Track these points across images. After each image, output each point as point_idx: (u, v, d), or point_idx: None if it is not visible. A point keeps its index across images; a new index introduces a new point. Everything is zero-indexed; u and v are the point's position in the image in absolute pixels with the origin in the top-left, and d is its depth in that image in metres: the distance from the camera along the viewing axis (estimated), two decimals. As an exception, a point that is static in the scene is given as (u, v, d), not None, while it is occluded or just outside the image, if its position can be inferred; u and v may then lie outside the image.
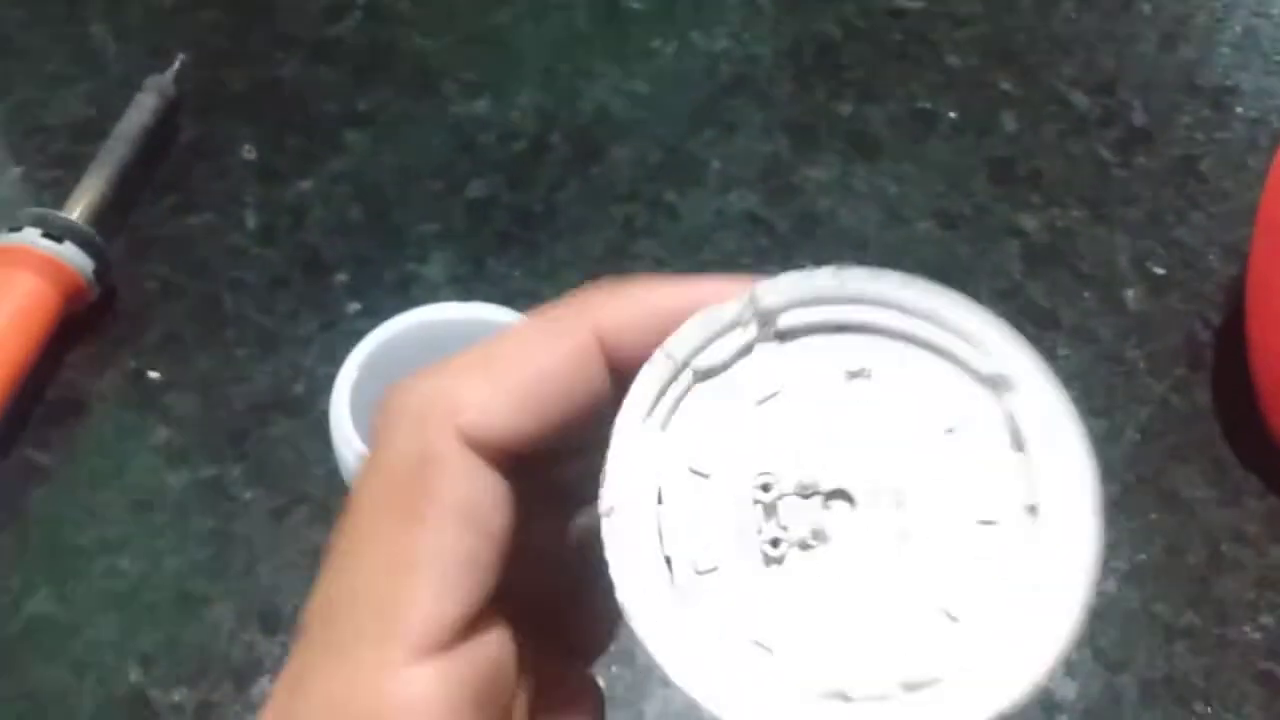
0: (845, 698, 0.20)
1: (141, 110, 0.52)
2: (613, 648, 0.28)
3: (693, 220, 0.52)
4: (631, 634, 0.20)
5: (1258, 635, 0.43)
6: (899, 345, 0.21)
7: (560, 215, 0.52)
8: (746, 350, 0.22)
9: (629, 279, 0.22)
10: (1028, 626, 0.20)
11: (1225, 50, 0.59)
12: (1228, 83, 0.57)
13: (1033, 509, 0.20)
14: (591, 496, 0.21)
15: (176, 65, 0.54)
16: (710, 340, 0.22)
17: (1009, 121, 0.55)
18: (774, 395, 0.22)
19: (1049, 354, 0.48)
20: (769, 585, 0.21)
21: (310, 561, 0.43)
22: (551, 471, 0.23)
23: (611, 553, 0.20)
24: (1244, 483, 0.46)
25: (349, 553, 0.21)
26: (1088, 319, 0.49)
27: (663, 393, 0.21)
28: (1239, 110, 0.56)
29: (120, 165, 0.50)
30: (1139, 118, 0.56)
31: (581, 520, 0.26)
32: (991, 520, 0.21)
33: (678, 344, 0.21)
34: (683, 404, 0.22)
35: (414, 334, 0.41)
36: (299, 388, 0.47)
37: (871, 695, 0.20)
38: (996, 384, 0.21)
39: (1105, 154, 0.55)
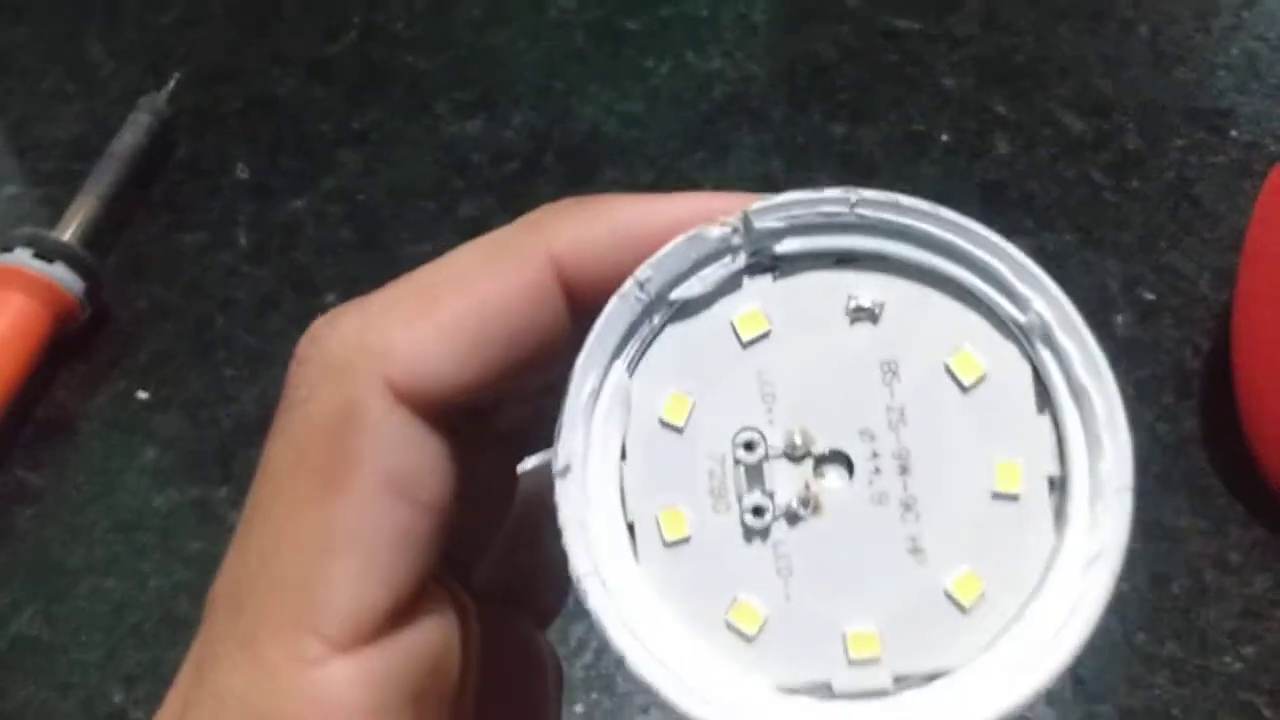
0: (830, 692, 0.18)
1: (135, 129, 0.52)
2: (592, 675, 0.27)
3: (683, 242, 0.52)
4: (587, 613, 0.18)
5: (1239, 666, 0.43)
6: (913, 284, 0.18)
7: (551, 236, 0.52)
8: (734, 282, 0.19)
9: (593, 197, 0.19)
10: (1042, 618, 0.18)
11: (1221, 73, 0.58)
12: (1223, 106, 0.57)
13: (1056, 482, 0.18)
14: (544, 442, 0.18)
15: (171, 84, 0.54)
16: (691, 269, 0.18)
17: (1002, 144, 0.55)
18: (764, 337, 0.18)
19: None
20: (749, 561, 0.18)
21: (294, 584, 0.43)
22: (498, 416, 0.20)
23: (565, 518, 0.18)
24: (1229, 511, 0.46)
25: (258, 526, 0.18)
26: (1076, 345, 0.49)
27: (632, 330, 0.18)
28: (1234, 134, 0.56)
29: (114, 184, 0.51)
30: (1133, 141, 0.56)
31: (530, 467, 0.23)
32: (1009, 494, 0.18)
33: (652, 272, 0.18)
34: (655, 344, 0.19)
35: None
36: (286, 409, 0.47)
37: (860, 690, 0.18)
38: (1024, 335, 0.18)
39: (1098, 177, 0.54)
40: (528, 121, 0.56)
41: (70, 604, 0.44)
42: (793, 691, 0.18)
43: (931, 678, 0.18)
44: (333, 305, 0.52)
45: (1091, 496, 0.18)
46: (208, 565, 0.45)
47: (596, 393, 0.18)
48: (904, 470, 0.18)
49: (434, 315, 0.18)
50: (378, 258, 0.51)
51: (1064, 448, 0.18)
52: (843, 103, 0.57)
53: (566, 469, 0.18)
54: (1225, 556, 0.45)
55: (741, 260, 0.18)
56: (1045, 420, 0.18)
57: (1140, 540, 0.45)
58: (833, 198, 0.18)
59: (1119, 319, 0.50)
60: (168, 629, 0.43)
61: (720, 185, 0.54)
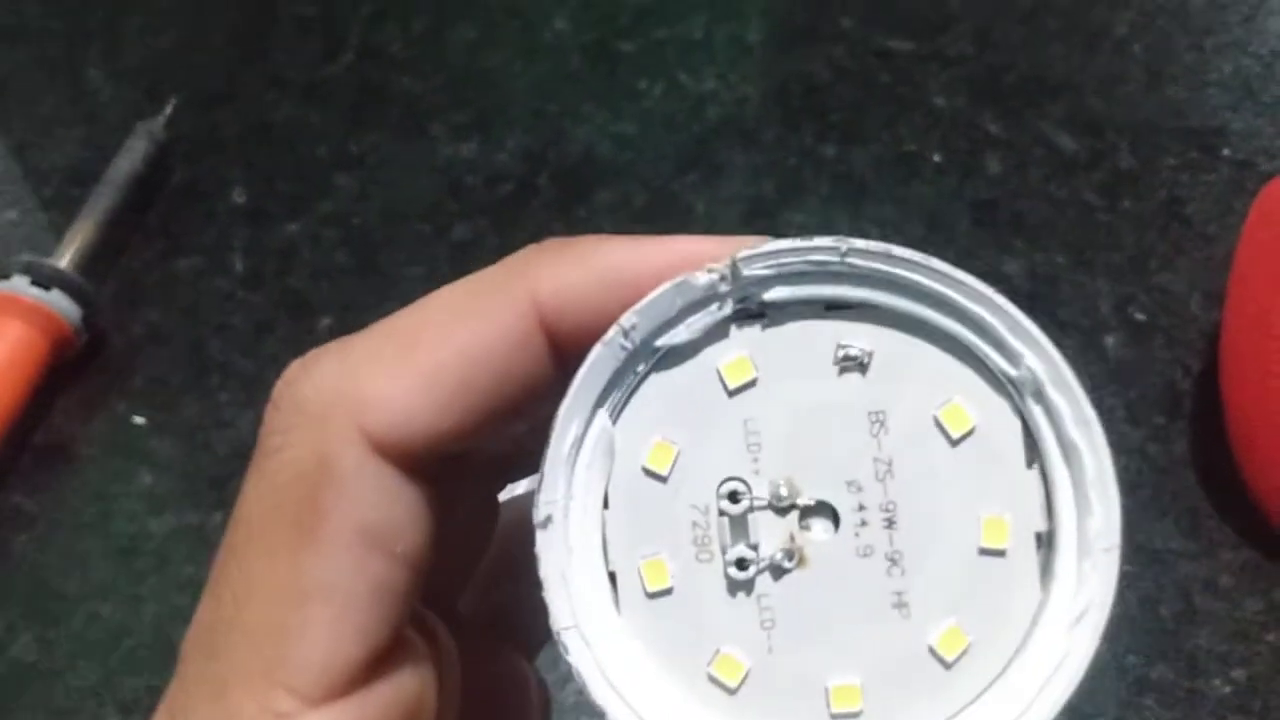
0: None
1: (132, 155, 0.53)
2: (583, 702, 0.27)
3: (676, 264, 0.52)
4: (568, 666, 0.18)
5: (1228, 689, 0.43)
6: (904, 335, 0.18)
7: (545, 258, 0.53)
8: (721, 329, 0.18)
9: (578, 238, 0.19)
10: (1026, 676, 0.18)
11: (1214, 91, 0.58)
12: (1216, 124, 0.57)
13: (1044, 538, 0.18)
14: (525, 470, 0.18)
15: (168, 109, 0.55)
16: (678, 315, 0.18)
17: (993, 164, 0.56)
18: (750, 385, 0.18)
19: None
20: (732, 613, 0.18)
21: (287, 609, 0.43)
22: (480, 452, 0.20)
23: (546, 572, 0.18)
24: (1218, 534, 0.46)
25: (233, 573, 0.18)
26: (1067, 366, 0.49)
27: (616, 377, 0.18)
28: (1226, 152, 0.56)
29: (110, 210, 0.51)
30: (1125, 160, 0.56)
31: (512, 497, 0.23)
32: (996, 549, 0.18)
33: (637, 319, 0.18)
34: (639, 391, 0.18)
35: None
36: (281, 434, 0.47)
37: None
38: (1016, 389, 0.18)
39: (1089, 197, 0.55)
40: (522, 144, 0.56)
41: (67, 630, 0.44)
42: None
43: None
44: (328, 329, 0.52)
45: (1079, 554, 0.18)
46: (202, 591, 0.45)
47: (579, 441, 0.18)
48: (890, 523, 0.18)
49: (414, 363, 0.18)
50: (373, 281, 0.52)
51: (1052, 504, 0.18)
52: (835, 123, 0.57)
53: (548, 520, 0.18)
54: (1215, 579, 0.45)
55: (729, 308, 0.18)
56: (1034, 475, 0.18)
57: (1130, 562, 0.45)
58: (823, 246, 0.18)
59: (1110, 340, 0.50)
60: (164, 655, 0.43)
61: (713, 206, 0.54)
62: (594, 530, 0.18)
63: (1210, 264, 0.52)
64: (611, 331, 0.18)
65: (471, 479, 0.21)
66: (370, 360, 0.18)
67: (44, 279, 0.48)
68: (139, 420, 0.48)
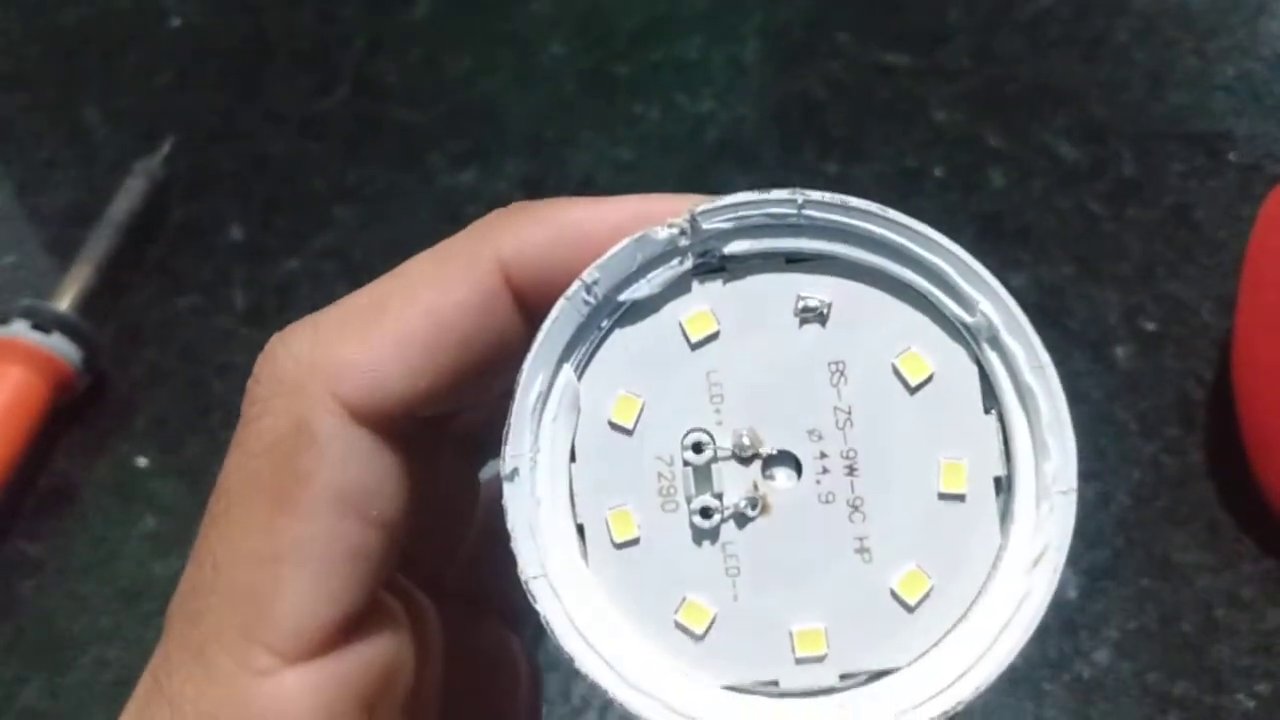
0: (777, 690, 0.18)
1: (130, 195, 0.53)
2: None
3: (678, 288, 0.52)
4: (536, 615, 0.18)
5: (1252, 704, 0.42)
6: (862, 285, 0.19)
7: (547, 286, 0.52)
8: (683, 284, 0.19)
9: (541, 201, 0.19)
10: (987, 618, 0.18)
11: (1217, 95, 0.58)
12: (1221, 129, 0.57)
13: (1003, 482, 0.18)
14: (499, 449, 0.18)
15: (165, 148, 0.55)
16: (639, 270, 0.18)
17: (996, 177, 0.55)
18: (712, 338, 0.19)
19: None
20: (698, 561, 0.18)
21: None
22: (458, 420, 0.20)
23: (513, 522, 0.18)
24: (1238, 546, 0.45)
25: (213, 540, 0.18)
26: (1077, 379, 0.49)
27: (580, 332, 0.18)
28: (1232, 157, 0.56)
29: (109, 251, 0.51)
30: (1129, 168, 0.55)
31: (489, 472, 0.23)
32: (955, 494, 0.18)
33: (599, 274, 0.18)
34: (604, 346, 0.19)
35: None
36: (284, 472, 0.47)
37: (806, 688, 0.18)
38: (972, 336, 0.18)
39: (1094, 207, 0.54)
40: (520, 171, 0.56)
41: (75, 675, 0.44)
42: (740, 690, 0.18)
43: (878, 676, 0.18)
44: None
45: (1037, 497, 0.18)
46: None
47: (544, 395, 0.18)
48: (851, 470, 0.18)
49: (383, 329, 0.18)
50: (374, 314, 0.51)
51: (1010, 448, 0.18)
52: (835, 141, 0.56)
53: (514, 472, 0.18)
54: (1236, 592, 0.44)
55: (689, 262, 0.18)
56: (992, 421, 0.18)
57: (1148, 577, 0.44)
58: (780, 199, 0.18)
59: (1119, 351, 0.50)
60: (171, 698, 0.43)
61: (715, 228, 0.54)
62: (561, 483, 0.18)
63: (1220, 270, 0.52)
64: (574, 286, 0.18)
65: (451, 451, 0.21)
66: (342, 329, 0.18)
67: (44, 323, 0.47)
68: (142, 462, 0.48)
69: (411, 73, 0.59)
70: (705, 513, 0.18)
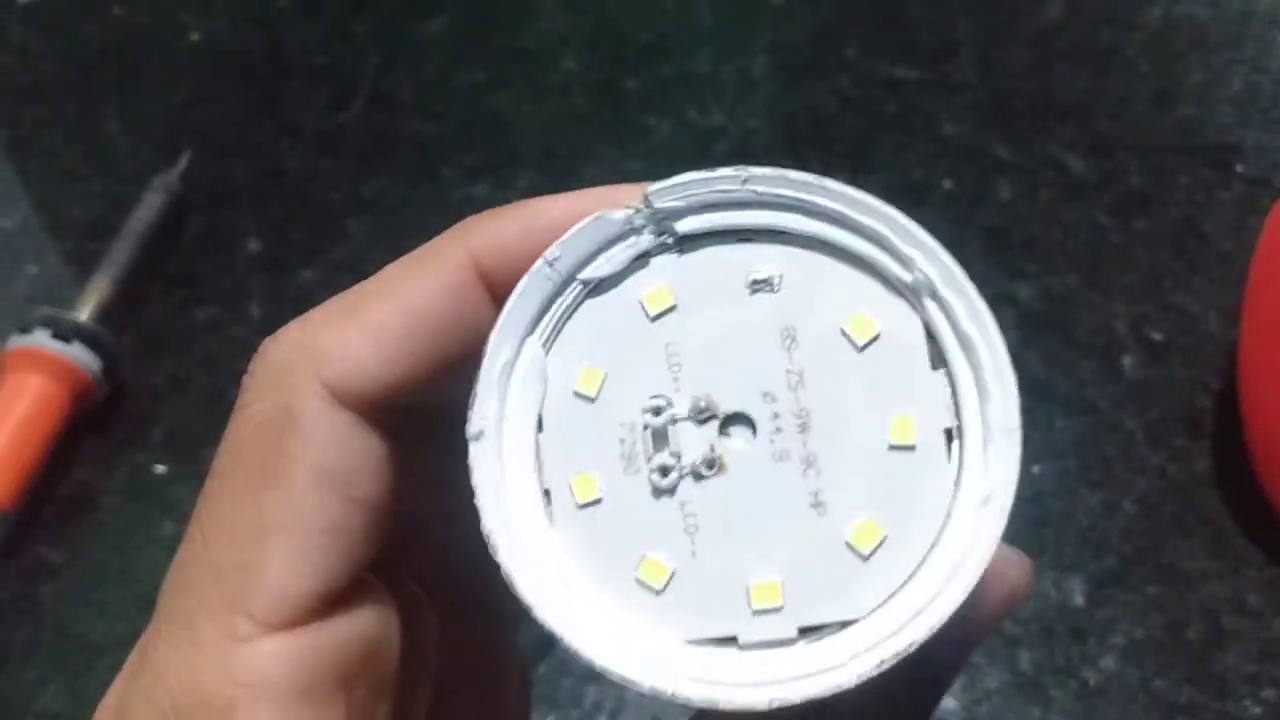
0: (736, 644, 0.19)
1: (148, 208, 0.53)
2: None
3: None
4: (501, 575, 0.18)
5: (1259, 710, 0.42)
6: (808, 253, 0.19)
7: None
8: (641, 261, 0.20)
9: (510, 204, 0.20)
10: (941, 563, 0.18)
11: (1224, 107, 0.58)
12: (1227, 141, 0.57)
13: (953, 432, 0.19)
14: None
15: (184, 161, 0.56)
16: (600, 249, 0.19)
17: (1004, 189, 0.56)
18: (670, 310, 0.20)
19: (1045, 425, 0.48)
20: (657, 519, 0.19)
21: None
22: (445, 415, 0.21)
23: (478, 482, 0.19)
24: (1245, 553, 0.45)
25: (203, 518, 0.19)
26: (1084, 388, 0.49)
27: (545, 307, 0.19)
28: (1239, 169, 0.56)
29: (128, 263, 0.52)
30: (1136, 180, 0.56)
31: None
32: (905, 445, 0.19)
33: (560, 251, 0.19)
34: (570, 321, 0.20)
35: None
36: (300, 479, 0.47)
37: (764, 640, 0.18)
38: (913, 293, 0.19)
39: (1102, 218, 0.55)
40: (533, 184, 0.57)
41: (94, 679, 0.44)
42: (700, 644, 0.19)
43: (838, 627, 0.18)
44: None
45: (984, 441, 0.19)
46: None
47: (511, 365, 0.19)
48: (804, 429, 0.19)
49: (362, 318, 0.20)
50: (388, 325, 0.52)
51: (957, 399, 0.19)
52: (843, 154, 0.57)
53: (480, 434, 0.19)
54: (1242, 599, 0.44)
55: (647, 240, 0.19)
56: (939, 375, 0.19)
57: (1155, 585, 0.45)
58: (725, 175, 0.19)
59: (1127, 361, 0.50)
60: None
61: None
62: (528, 450, 0.19)
63: (1227, 281, 0.52)
64: (538, 263, 0.19)
65: (435, 440, 0.21)
66: (325, 322, 0.20)
67: (64, 332, 0.48)
68: (160, 469, 0.48)
69: (425, 87, 0.60)
70: (663, 471, 0.19)
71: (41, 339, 0.48)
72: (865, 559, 0.18)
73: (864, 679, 0.18)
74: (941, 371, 0.19)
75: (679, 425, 0.19)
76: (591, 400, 0.19)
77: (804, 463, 0.19)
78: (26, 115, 0.61)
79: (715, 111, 0.59)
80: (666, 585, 0.19)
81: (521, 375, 0.19)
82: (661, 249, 0.20)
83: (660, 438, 0.19)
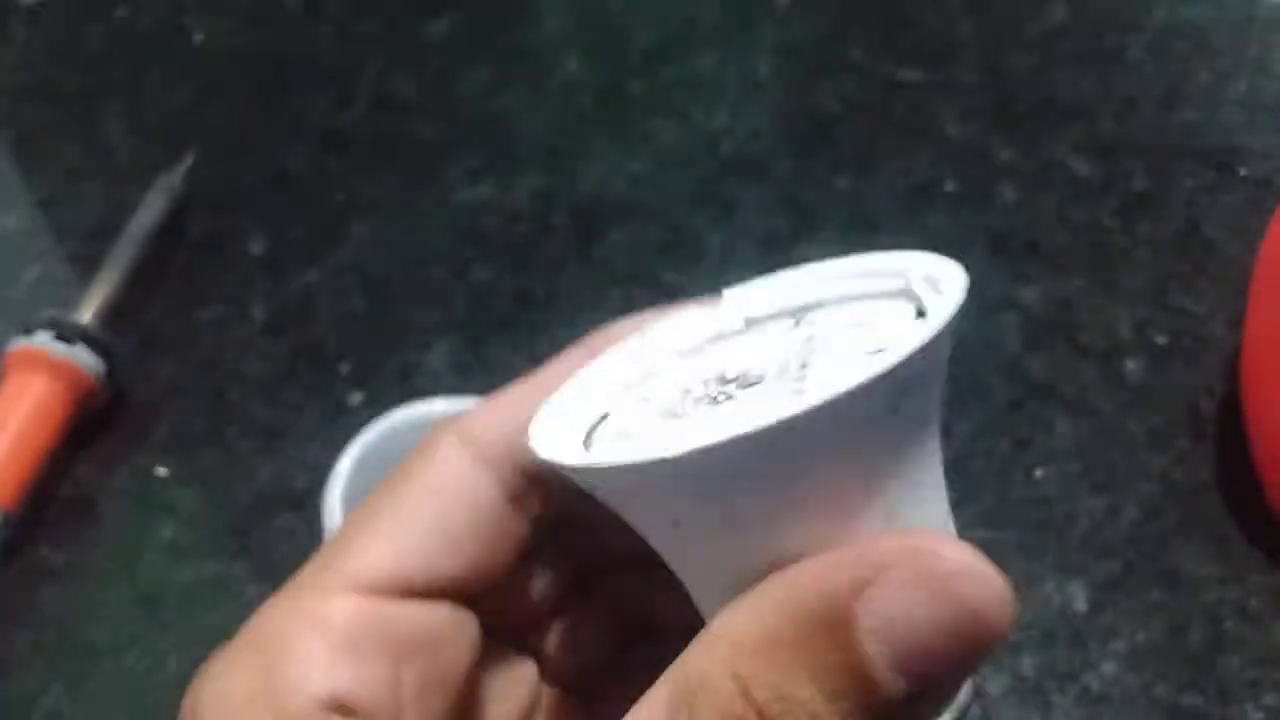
0: (675, 416, 0.20)
1: (151, 209, 0.53)
2: None
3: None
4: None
5: (1261, 715, 0.42)
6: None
7: (561, 298, 0.53)
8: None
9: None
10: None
11: (1228, 110, 0.58)
12: (1232, 144, 0.57)
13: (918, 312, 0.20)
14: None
15: (186, 162, 0.56)
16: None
17: (1008, 191, 0.55)
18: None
19: (1047, 429, 0.48)
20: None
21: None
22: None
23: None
24: (1248, 557, 0.45)
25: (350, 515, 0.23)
26: (1087, 392, 0.49)
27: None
28: (1243, 172, 0.56)
29: (131, 265, 0.52)
30: (1141, 183, 0.56)
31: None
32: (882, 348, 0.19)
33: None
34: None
35: (407, 430, 0.42)
36: (301, 481, 0.48)
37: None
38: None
39: (1106, 221, 0.54)
40: (536, 185, 0.57)
41: (95, 681, 0.44)
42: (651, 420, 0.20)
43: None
44: (346, 375, 0.52)
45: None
46: (226, 641, 0.45)
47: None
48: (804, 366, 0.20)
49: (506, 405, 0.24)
50: (391, 327, 0.52)
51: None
52: (847, 156, 0.57)
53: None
54: (1245, 604, 0.44)
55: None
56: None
57: (1157, 589, 0.45)
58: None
59: (1130, 364, 0.50)
60: (189, 705, 0.43)
61: (727, 242, 0.54)
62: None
63: (1231, 284, 0.52)
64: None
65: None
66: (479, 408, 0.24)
67: (67, 334, 0.48)
68: (161, 472, 0.48)
69: (429, 89, 0.60)
70: (684, 394, 0.21)
71: (44, 341, 0.48)
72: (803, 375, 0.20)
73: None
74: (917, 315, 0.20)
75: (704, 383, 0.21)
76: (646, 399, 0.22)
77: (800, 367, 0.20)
78: (30, 116, 0.61)
79: (719, 113, 0.59)
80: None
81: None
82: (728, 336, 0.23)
83: (687, 389, 0.21)
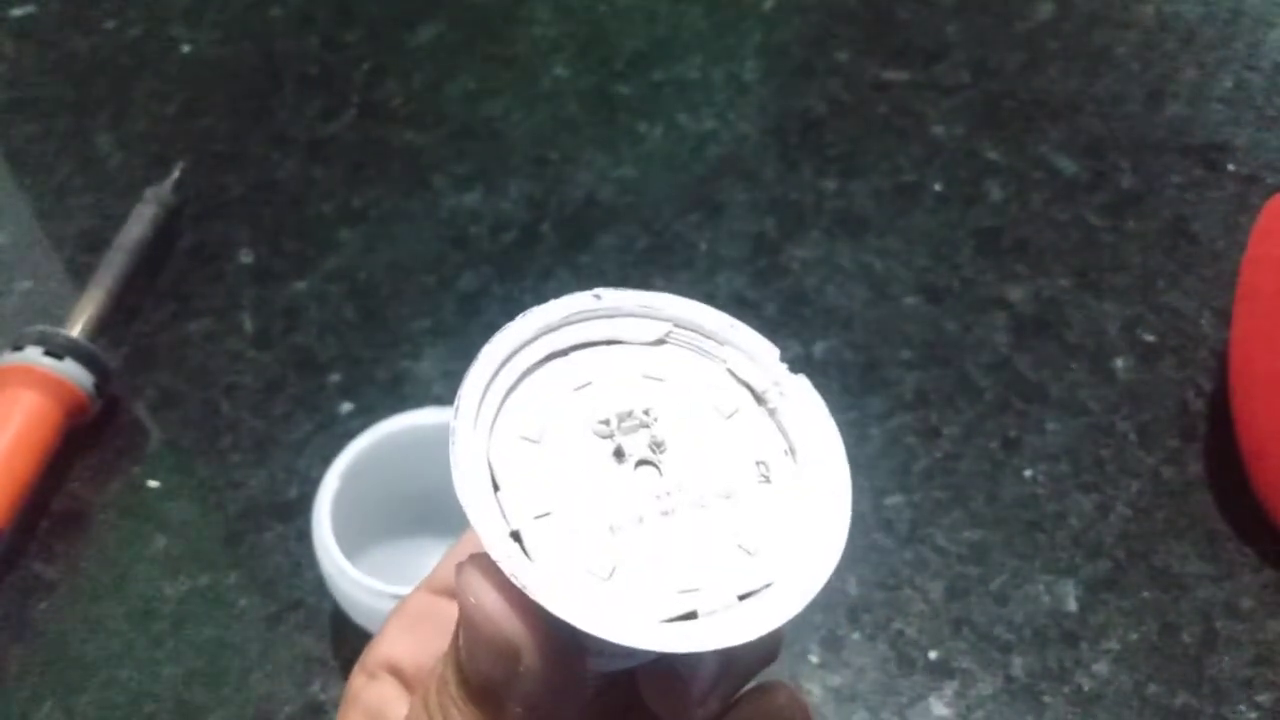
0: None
1: (141, 221, 0.53)
2: None
3: (680, 305, 0.53)
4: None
5: (1254, 714, 0.42)
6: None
7: (550, 305, 0.53)
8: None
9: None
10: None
11: (1216, 106, 0.58)
12: (1218, 140, 0.57)
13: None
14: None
15: (176, 174, 0.56)
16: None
17: (995, 190, 0.56)
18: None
19: (1037, 429, 0.48)
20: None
21: (302, 667, 0.43)
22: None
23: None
24: (1238, 556, 0.45)
25: None
26: (1076, 390, 0.49)
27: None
28: (1231, 168, 0.56)
29: (120, 277, 0.52)
30: (1127, 180, 0.56)
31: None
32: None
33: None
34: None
35: (395, 440, 0.42)
36: (292, 491, 0.48)
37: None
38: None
39: (1093, 219, 0.54)
40: (524, 192, 0.57)
41: (88, 696, 0.44)
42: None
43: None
44: (336, 385, 0.52)
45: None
46: (219, 652, 0.45)
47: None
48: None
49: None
50: (380, 335, 0.52)
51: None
52: (834, 157, 0.57)
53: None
54: (1236, 602, 0.44)
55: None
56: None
57: (1148, 589, 0.45)
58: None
59: (1119, 362, 0.50)
60: (181, 718, 0.43)
61: (715, 245, 0.54)
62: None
63: (1219, 281, 0.52)
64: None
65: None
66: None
67: (57, 349, 0.48)
68: (153, 484, 0.48)
69: (416, 96, 0.60)
70: (619, 454, 0.22)
71: (34, 356, 0.48)
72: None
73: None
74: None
75: (625, 427, 0.23)
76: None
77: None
78: (18, 129, 0.61)
79: (706, 116, 0.59)
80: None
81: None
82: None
83: (607, 428, 0.23)
